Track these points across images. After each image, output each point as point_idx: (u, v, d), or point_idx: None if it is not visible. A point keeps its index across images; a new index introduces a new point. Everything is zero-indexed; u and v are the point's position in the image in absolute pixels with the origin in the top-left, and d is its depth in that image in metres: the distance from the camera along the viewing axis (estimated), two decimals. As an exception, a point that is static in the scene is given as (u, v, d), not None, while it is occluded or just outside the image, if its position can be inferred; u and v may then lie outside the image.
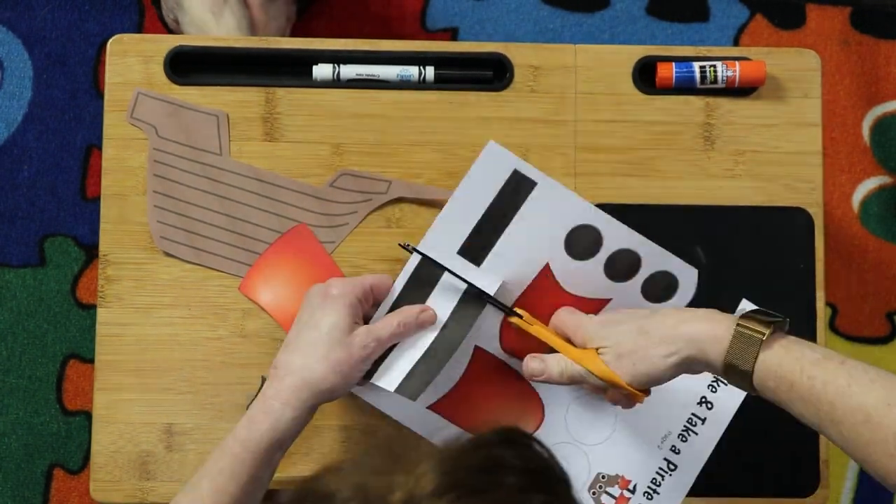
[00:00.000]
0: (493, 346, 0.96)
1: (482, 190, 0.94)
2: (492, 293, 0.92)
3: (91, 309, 1.48)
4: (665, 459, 0.97)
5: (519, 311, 0.92)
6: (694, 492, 0.98)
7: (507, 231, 0.94)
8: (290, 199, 1.02)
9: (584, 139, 1.03)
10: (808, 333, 1.01)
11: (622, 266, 0.96)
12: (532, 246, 0.95)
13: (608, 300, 0.96)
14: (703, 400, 0.98)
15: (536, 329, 0.91)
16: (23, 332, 1.48)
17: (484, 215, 0.94)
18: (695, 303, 0.98)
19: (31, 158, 1.51)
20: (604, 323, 0.88)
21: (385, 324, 0.88)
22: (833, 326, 1.51)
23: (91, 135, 1.51)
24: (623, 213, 1.03)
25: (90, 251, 1.49)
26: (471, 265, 0.94)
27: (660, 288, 0.97)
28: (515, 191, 0.94)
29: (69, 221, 1.50)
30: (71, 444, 1.47)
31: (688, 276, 0.98)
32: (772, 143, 1.04)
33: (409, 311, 0.90)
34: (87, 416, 1.46)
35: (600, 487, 0.97)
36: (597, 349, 0.86)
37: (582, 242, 0.95)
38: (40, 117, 1.52)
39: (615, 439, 0.97)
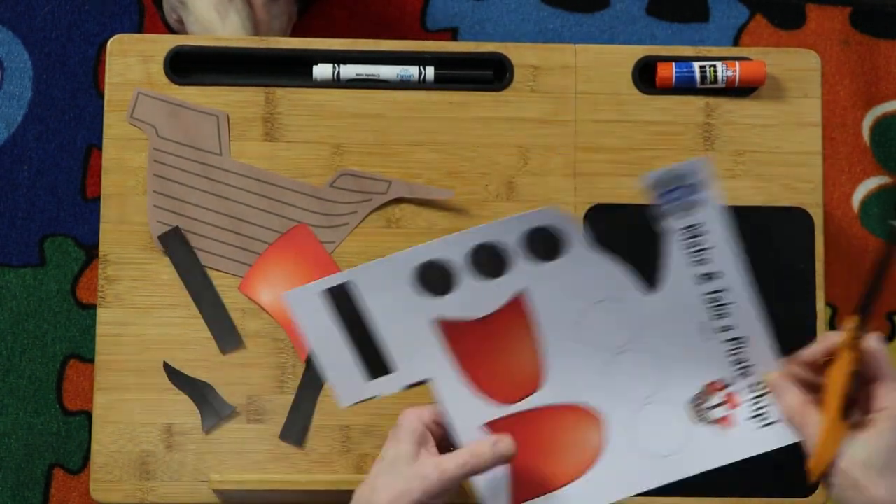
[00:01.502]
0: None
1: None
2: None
3: (91, 309, 1.48)
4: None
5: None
6: (694, 492, 0.98)
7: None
8: (290, 199, 1.02)
9: (583, 139, 1.03)
10: (808, 333, 1.01)
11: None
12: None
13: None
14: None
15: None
16: (23, 332, 1.48)
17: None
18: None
19: (31, 158, 1.51)
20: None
21: (456, 455, 0.79)
22: (833, 326, 1.51)
23: (91, 135, 1.51)
24: (623, 212, 1.03)
25: (90, 251, 1.49)
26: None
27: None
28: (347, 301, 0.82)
29: (69, 221, 1.50)
30: (71, 444, 1.47)
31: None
32: (772, 143, 1.04)
33: (484, 441, 0.79)
34: (87, 416, 1.46)
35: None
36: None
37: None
38: (40, 117, 1.52)
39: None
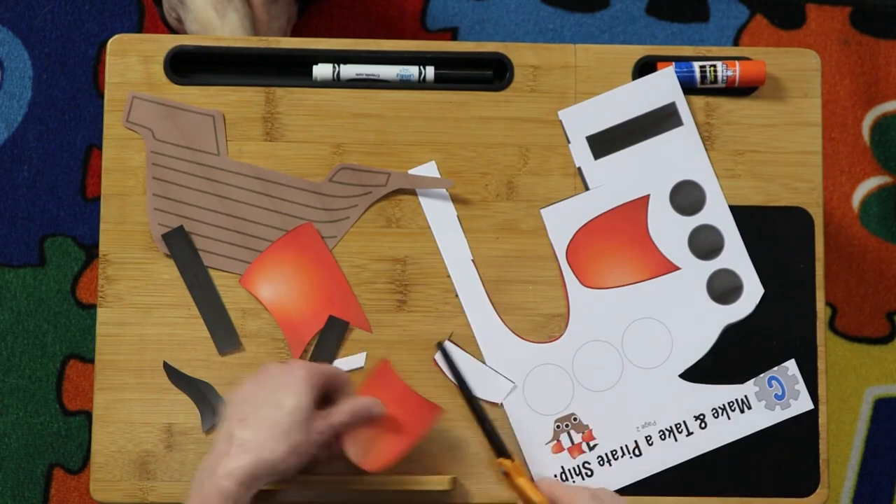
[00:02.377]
0: None
1: (638, 101, 1.01)
2: (590, 186, 0.99)
3: (91, 309, 1.48)
4: (635, 441, 0.98)
5: (511, 456, 0.94)
6: (694, 492, 0.98)
7: (635, 146, 1.00)
8: (289, 196, 1.02)
9: (584, 139, 1.03)
10: (808, 333, 1.01)
11: (705, 243, 0.99)
12: (646, 171, 1.00)
13: (676, 269, 0.99)
14: (701, 417, 0.98)
15: (523, 482, 0.93)
16: (23, 332, 1.48)
17: (627, 122, 1.00)
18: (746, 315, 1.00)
19: (31, 158, 1.51)
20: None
21: (340, 412, 0.88)
22: (833, 326, 1.51)
23: (91, 135, 1.51)
24: (623, 212, 1.03)
25: (90, 251, 1.49)
26: (590, 154, 1.00)
27: (724, 286, 0.99)
28: (662, 119, 1.00)
29: (69, 221, 1.50)
30: (71, 444, 1.47)
31: (753, 292, 1.00)
32: (772, 143, 1.03)
33: (363, 402, 0.89)
34: (87, 416, 1.46)
35: (567, 426, 0.98)
36: None
37: (686, 198, 0.99)
38: (40, 117, 1.52)
39: (606, 397, 0.98)
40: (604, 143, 1.01)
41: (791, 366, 0.98)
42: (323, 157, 1.02)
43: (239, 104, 1.02)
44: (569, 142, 1.00)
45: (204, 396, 0.99)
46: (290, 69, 1.04)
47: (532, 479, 0.94)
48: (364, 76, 1.03)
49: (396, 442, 0.91)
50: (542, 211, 1.00)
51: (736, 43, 1.56)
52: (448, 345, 0.98)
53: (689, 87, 1.03)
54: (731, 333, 1.00)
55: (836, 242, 1.53)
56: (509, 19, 1.56)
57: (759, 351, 1.00)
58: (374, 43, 1.04)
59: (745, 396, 0.98)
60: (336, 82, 1.03)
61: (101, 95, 1.24)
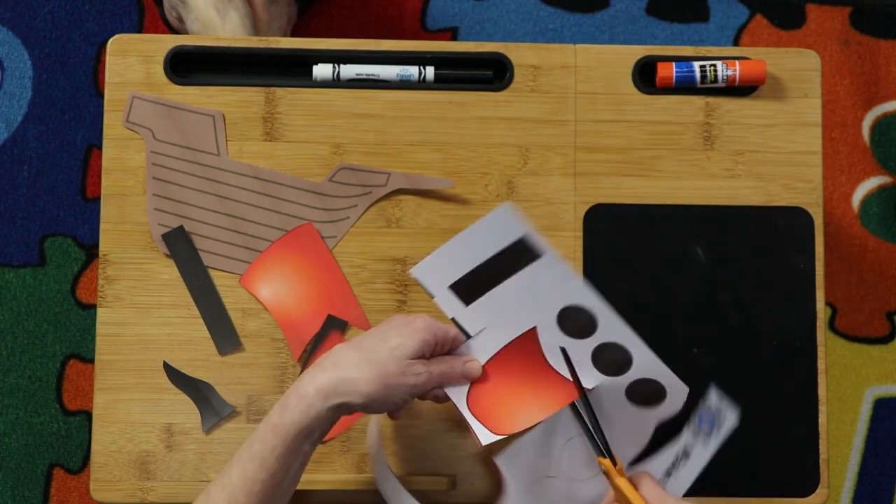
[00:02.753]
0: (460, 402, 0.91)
1: (486, 242, 0.92)
2: (471, 334, 0.91)
3: (91, 309, 1.48)
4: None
5: (612, 456, 0.87)
6: (694, 492, 0.98)
7: (502, 285, 0.92)
8: (289, 196, 1.02)
9: (583, 139, 1.03)
10: (808, 333, 1.01)
11: (611, 361, 0.92)
12: (523, 306, 0.92)
13: (589, 390, 0.91)
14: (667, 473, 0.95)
15: (623, 482, 0.85)
16: (23, 332, 1.48)
17: (483, 263, 0.92)
18: (686, 367, 0.94)
19: (31, 158, 1.51)
20: None
21: (440, 362, 0.88)
22: (833, 326, 1.51)
23: (91, 135, 1.51)
24: (623, 212, 1.03)
25: (90, 251, 1.49)
26: (459, 302, 0.92)
27: (647, 393, 0.93)
28: (518, 255, 0.91)
29: (69, 221, 1.50)
30: (71, 444, 1.47)
31: (677, 392, 0.93)
32: (772, 143, 1.04)
33: (460, 357, 0.89)
34: (87, 416, 1.46)
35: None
36: None
37: (575, 321, 0.92)
38: (40, 117, 1.52)
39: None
40: (469, 289, 0.92)
41: (712, 395, 0.93)
42: (323, 157, 1.02)
43: (239, 104, 1.02)
44: (433, 297, 0.91)
45: (204, 396, 0.99)
46: (290, 69, 1.04)
47: (631, 482, 0.87)
48: (364, 76, 1.03)
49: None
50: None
51: (736, 43, 1.56)
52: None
53: (689, 87, 1.03)
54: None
55: (836, 242, 1.53)
56: (509, 19, 1.56)
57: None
58: (374, 43, 1.04)
59: (685, 447, 0.94)
60: (336, 82, 1.03)
61: (101, 95, 1.24)
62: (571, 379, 0.90)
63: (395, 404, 0.85)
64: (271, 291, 1.01)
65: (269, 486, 0.82)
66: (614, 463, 0.86)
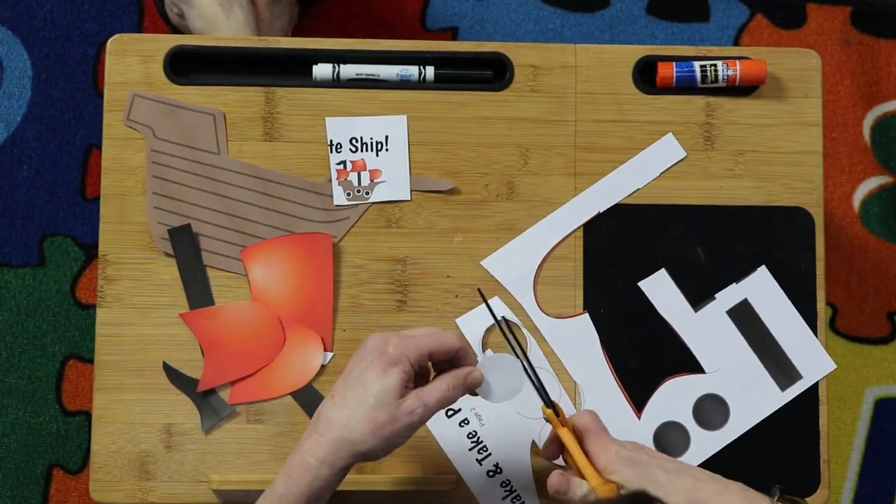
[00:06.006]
0: None
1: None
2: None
3: (91, 309, 1.47)
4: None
5: (556, 404, 0.89)
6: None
7: None
8: (289, 196, 1.02)
9: (584, 139, 1.03)
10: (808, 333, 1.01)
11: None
12: None
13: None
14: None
15: (565, 432, 0.88)
16: (22, 332, 1.48)
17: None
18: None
19: (31, 158, 1.51)
20: (631, 462, 0.86)
21: (434, 389, 0.84)
22: (833, 326, 1.51)
23: (91, 135, 1.51)
24: (623, 212, 1.03)
25: (90, 251, 1.49)
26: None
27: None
28: None
29: (69, 221, 1.50)
30: (71, 444, 1.47)
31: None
32: (772, 143, 1.03)
33: (458, 374, 0.86)
34: (87, 416, 1.46)
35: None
36: (617, 484, 0.85)
37: None
38: (40, 117, 1.51)
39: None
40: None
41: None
42: (323, 157, 1.02)
43: (239, 104, 1.02)
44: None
45: (204, 396, 0.99)
46: (290, 69, 1.03)
47: (575, 430, 0.90)
48: (364, 76, 1.03)
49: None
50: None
51: (736, 43, 1.56)
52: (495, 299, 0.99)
53: (689, 87, 1.03)
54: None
55: (836, 242, 1.53)
56: (509, 19, 1.56)
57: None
58: (374, 43, 1.04)
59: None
60: (336, 82, 1.03)
61: (101, 95, 1.24)
62: (508, 344, 0.94)
63: (401, 444, 0.84)
64: (262, 275, 1.00)
65: None
66: (557, 413, 0.88)
